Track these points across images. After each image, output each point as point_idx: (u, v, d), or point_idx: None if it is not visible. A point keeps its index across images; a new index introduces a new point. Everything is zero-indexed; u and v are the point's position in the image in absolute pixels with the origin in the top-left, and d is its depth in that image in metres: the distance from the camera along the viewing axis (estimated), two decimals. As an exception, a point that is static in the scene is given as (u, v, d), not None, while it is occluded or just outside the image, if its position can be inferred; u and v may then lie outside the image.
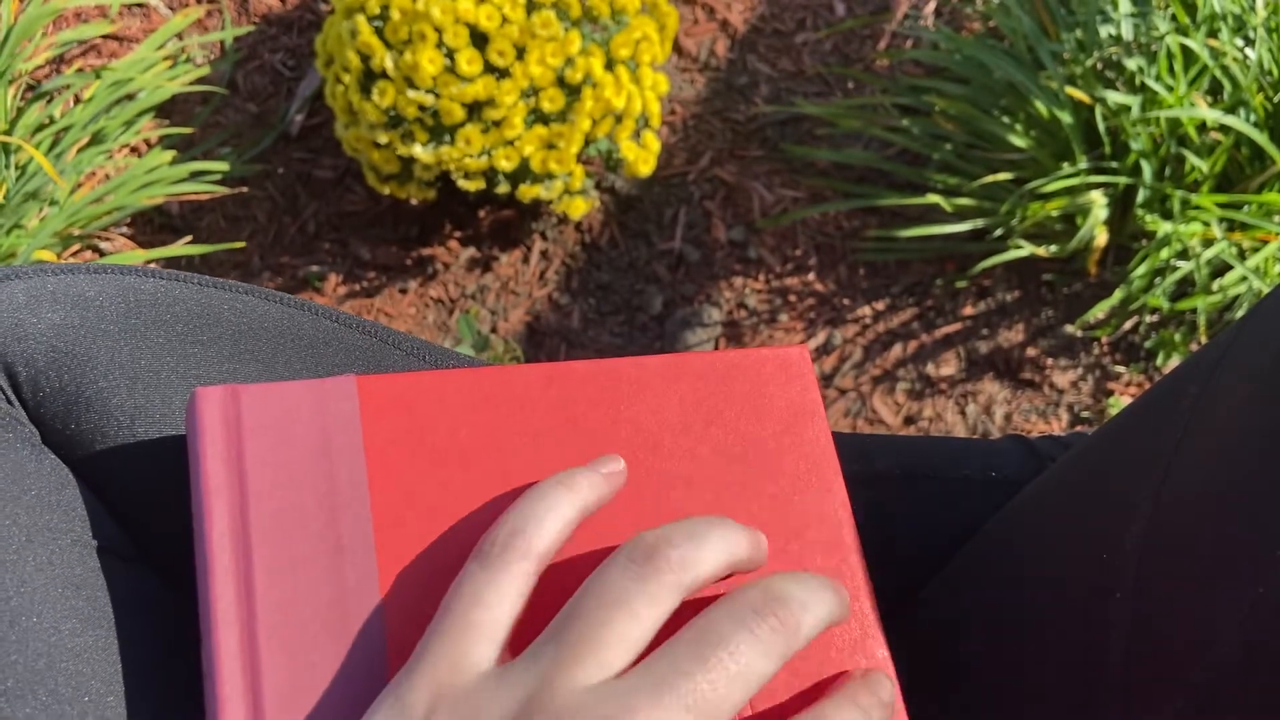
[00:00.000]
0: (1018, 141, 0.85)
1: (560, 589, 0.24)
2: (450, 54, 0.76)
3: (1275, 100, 0.82)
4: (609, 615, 0.22)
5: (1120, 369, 0.88)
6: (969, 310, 0.90)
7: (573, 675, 0.22)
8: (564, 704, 0.21)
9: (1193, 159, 0.81)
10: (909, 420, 0.87)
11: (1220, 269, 0.85)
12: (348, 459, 0.26)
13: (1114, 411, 0.87)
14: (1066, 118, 0.83)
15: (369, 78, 0.79)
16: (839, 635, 0.27)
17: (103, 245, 0.90)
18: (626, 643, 0.22)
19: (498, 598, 0.23)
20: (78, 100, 0.92)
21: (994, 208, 0.87)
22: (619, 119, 0.81)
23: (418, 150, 0.78)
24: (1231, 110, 0.81)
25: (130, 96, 0.91)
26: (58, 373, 0.27)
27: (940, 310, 0.90)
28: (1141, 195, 0.83)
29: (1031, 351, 0.89)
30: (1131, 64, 0.82)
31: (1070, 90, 0.83)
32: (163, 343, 0.29)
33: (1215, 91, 0.84)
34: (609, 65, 0.80)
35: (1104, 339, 0.89)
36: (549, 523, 0.24)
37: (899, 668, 0.27)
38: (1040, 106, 0.84)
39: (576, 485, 0.25)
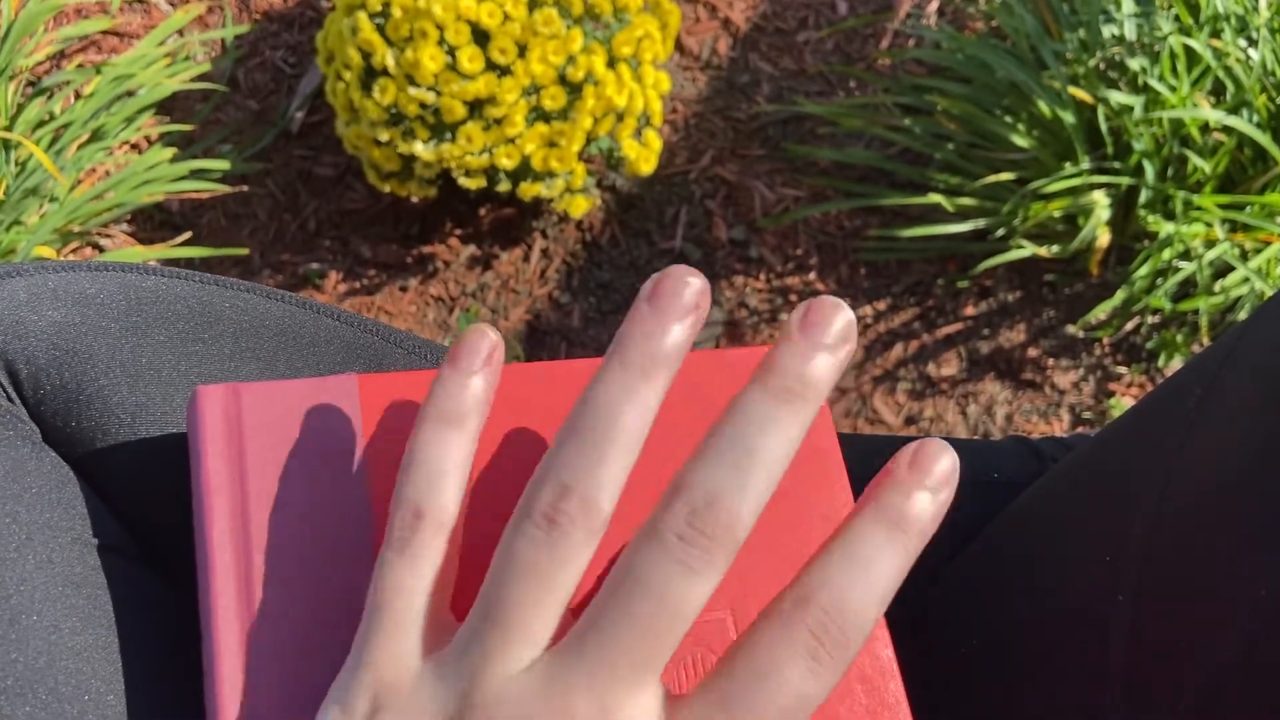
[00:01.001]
0: (1020, 141, 0.85)
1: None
2: (452, 51, 0.76)
3: (1278, 101, 0.81)
4: (524, 590, 0.21)
5: (1122, 370, 0.88)
6: (970, 310, 0.90)
7: (503, 661, 0.21)
8: (500, 695, 0.20)
9: (1195, 159, 0.81)
10: (910, 420, 0.87)
11: (1222, 270, 0.85)
12: (348, 457, 0.26)
13: (1115, 412, 0.87)
14: (1069, 118, 0.83)
15: (370, 75, 0.79)
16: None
17: (103, 242, 0.90)
18: (548, 610, 0.21)
19: (417, 582, 0.22)
20: (78, 96, 0.92)
21: (996, 208, 0.87)
22: (620, 117, 0.81)
23: (419, 148, 0.78)
24: (1234, 111, 0.81)
25: (131, 93, 0.91)
26: (58, 370, 0.27)
27: (941, 310, 0.90)
28: (1144, 196, 0.83)
29: (1033, 352, 0.89)
30: (1134, 64, 0.82)
31: (1073, 90, 0.82)
32: (164, 340, 0.29)
33: (1218, 92, 0.84)
34: (611, 63, 0.80)
35: (1105, 340, 0.89)
36: (446, 484, 0.23)
37: (902, 667, 0.27)
38: (1043, 106, 0.84)
39: (462, 418, 0.23)
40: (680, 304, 0.22)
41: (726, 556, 0.20)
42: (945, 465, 0.21)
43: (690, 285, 0.22)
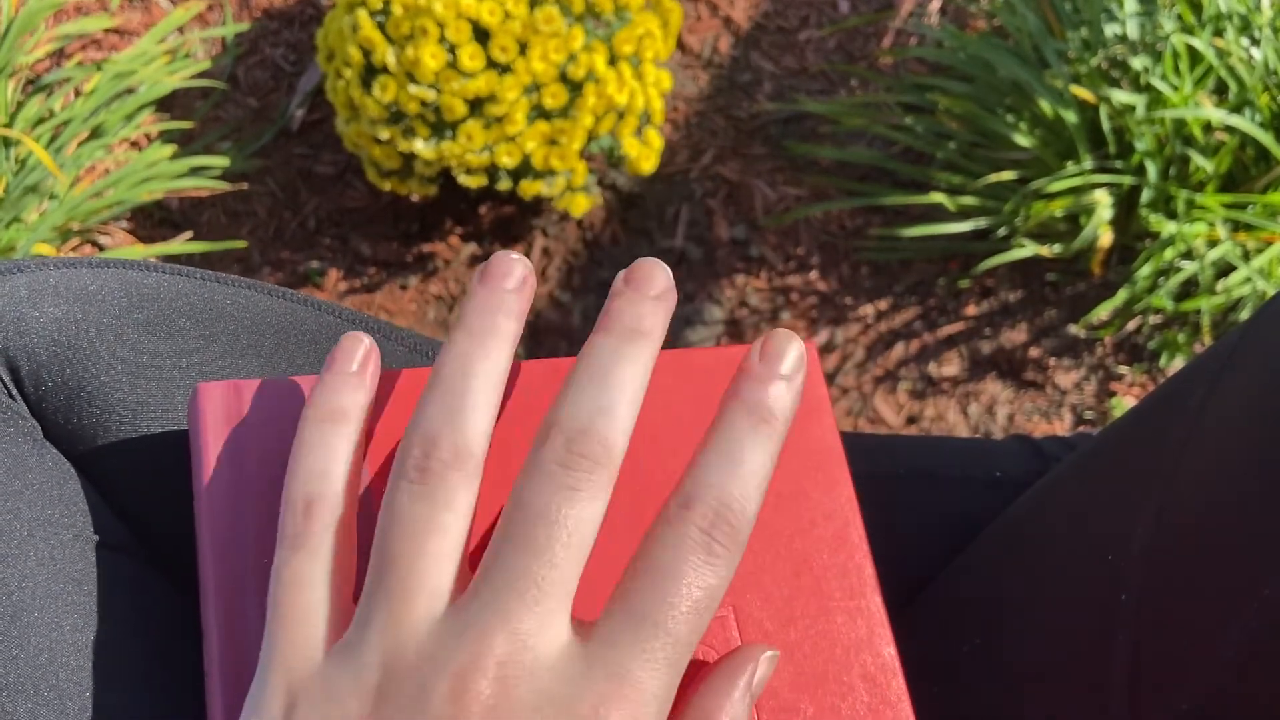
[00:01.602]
0: (1022, 140, 0.85)
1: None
2: (452, 49, 0.76)
3: (1280, 100, 0.81)
4: (418, 545, 0.21)
5: (1123, 370, 0.88)
6: (972, 310, 0.90)
7: (411, 621, 0.21)
8: (417, 655, 0.20)
9: (1198, 159, 0.81)
10: (911, 420, 0.87)
11: (1225, 270, 0.85)
12: (351, 455, 0.26)
13: (1117, 412, 0.87)
14: (1071, 117, 0.83)
15: (370, 73, 0.79)
16: (846, 633, 0.27)
17: (102, 240, 0.90)
18: (447, 558, 0.21)
19: (318, 573, 0.22)
20: (78, 94, 0.92)
21: (998, 207, 0.87)
22: (621, 115, 0.81)
23: (419, 146, 0.78)
24: (1237, 110, 0.81)
25: (130, 90, 0.91)
26: (59, 367, 0.27)
27: (943, 310, 0.90)
28: (1146, 195, 0.83)
29: (1034, 352, 0.89)
30: (1137, 63, 0.82)
31: (1075, 89, 0.82)
32: (165, 337, 0.29)
33: (1221, 91, 0.84)
34: (612, 61, 0.79)
35: (1107, 339, 0.89)
36: (333, 476, 0.23)
37: (904, 665, 0.27)
38: (1045, 105, 0.84)
39: (344, 415, 0.23)
40: (511, 281, 0.24)
41: (609, 478, 0.22)
42: (794, 353, 0.23)
43: (516, 266, 0.24)
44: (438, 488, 0.22)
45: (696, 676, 0.23)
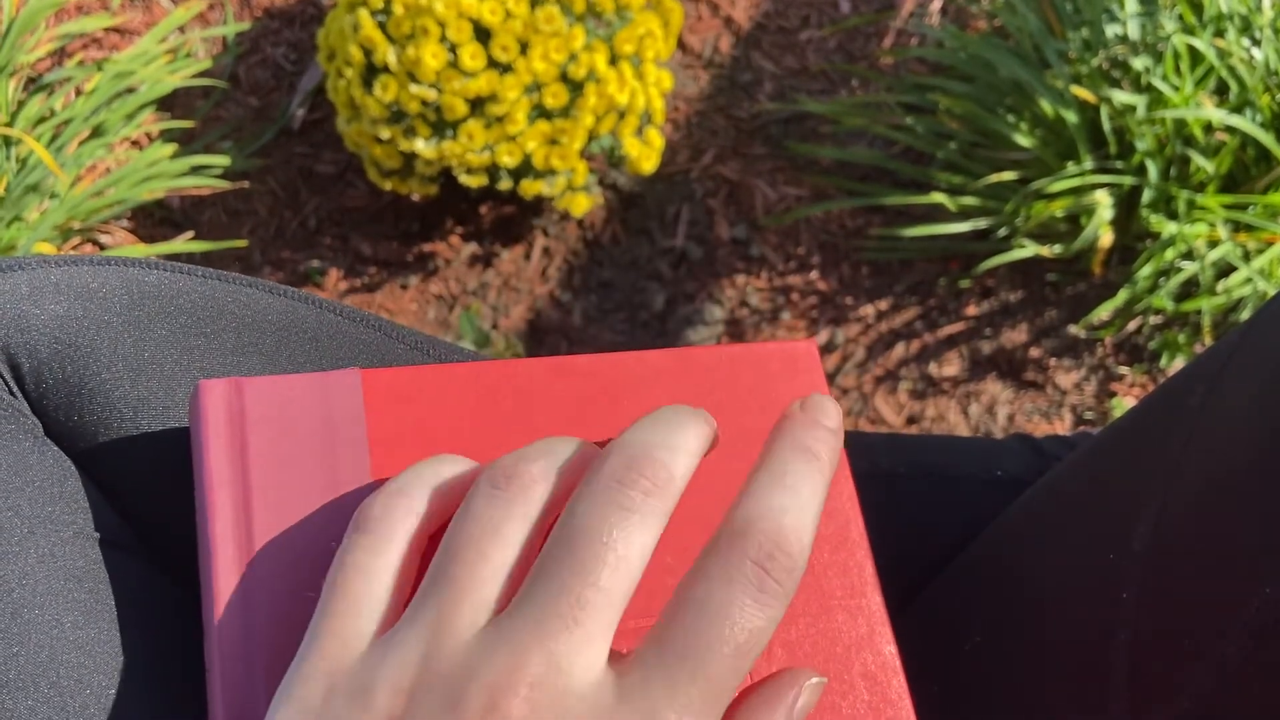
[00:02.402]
0: (1023, 141, 0.85)
1: None
2: (453, 49, 0.76)
3: (1281, 101, 0.81)
4: (480, 549, 0.21)
5: (1124, 370, 0.88)
6: (972, 310, 0.90)
7: (456, 626, 0.20)
8: (453, 663, 0.20)
9: (1198, 159, 0.81)
10: (911, 420, 0.87)
11: (1225, 270, 0.85)
12: (351, 452, 0.26)
13: (1117, 413, 0.87)
14: (1072, 117, 0.83)
15: (371, 72, 0.79)
16: (847, 631, 0.27)
17: (103, 239, 0.90)
18: (503, 571, 0.21)
19: (382, 566, 0.22)
20: (79, 93, 0.92)
21: (998, 207, 0.87)
22: (622, 115, 0.81)
23: (420, 145, 0.78)
24: (1238, 110, 0.81)
25: (131, 90, 0.91)
26: (60, 364, 0.27)
27: (943, 310, 0.90)
28: (1147, 195, 0.83)
29: (1035, 352, 0.89)
30: (1138, 63, 0.82)
31: (1076, 89, 0.82)
32: (166, 335, 0.29)
33: (1222, 92, 0.84)
34: (613, 61, 0.80)
35: (1108, 340, 0.89)
36: (424, 481, 0.23)
37: (905, 663, 0.27)
38: (1045, 105, 0.84)
39: (439, 468, 0.24)
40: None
41: (666, 505, 0.21)
42: (835, 411, 0.24)
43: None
44: (517, 497, 0.21)
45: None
